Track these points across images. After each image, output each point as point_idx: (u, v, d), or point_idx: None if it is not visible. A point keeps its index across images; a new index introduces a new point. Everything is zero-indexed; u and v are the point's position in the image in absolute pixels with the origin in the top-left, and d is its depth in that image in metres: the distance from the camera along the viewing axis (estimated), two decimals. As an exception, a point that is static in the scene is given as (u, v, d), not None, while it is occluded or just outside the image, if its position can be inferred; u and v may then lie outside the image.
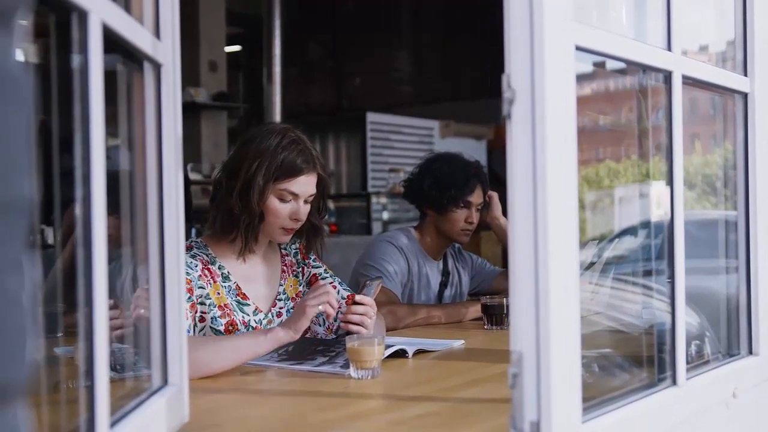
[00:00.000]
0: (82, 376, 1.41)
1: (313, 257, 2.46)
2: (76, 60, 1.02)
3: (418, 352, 2.22)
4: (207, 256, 2.25)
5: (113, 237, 1.16)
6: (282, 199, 2.22)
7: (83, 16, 1.00)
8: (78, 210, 1.01)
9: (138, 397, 1.29)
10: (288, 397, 1.78)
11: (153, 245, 1.38)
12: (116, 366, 1.34)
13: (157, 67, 1.36)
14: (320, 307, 2.01)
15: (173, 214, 1.40)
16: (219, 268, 2.25)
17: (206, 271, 2.21)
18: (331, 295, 2.04)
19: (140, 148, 1.36)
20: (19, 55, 0.62)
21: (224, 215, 2.23)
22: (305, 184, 2.24)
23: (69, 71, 1.02)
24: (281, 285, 2.37)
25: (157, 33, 1.36)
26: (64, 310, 1.29)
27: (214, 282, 2.22)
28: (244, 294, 2.27)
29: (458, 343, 2.40)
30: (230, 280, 2.25)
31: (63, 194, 1.06)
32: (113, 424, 1.10)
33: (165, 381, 1.39)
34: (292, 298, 2.38)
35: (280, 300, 2.36)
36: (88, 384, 1.03)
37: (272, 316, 2.31)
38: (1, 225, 0.57)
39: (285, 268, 2.40)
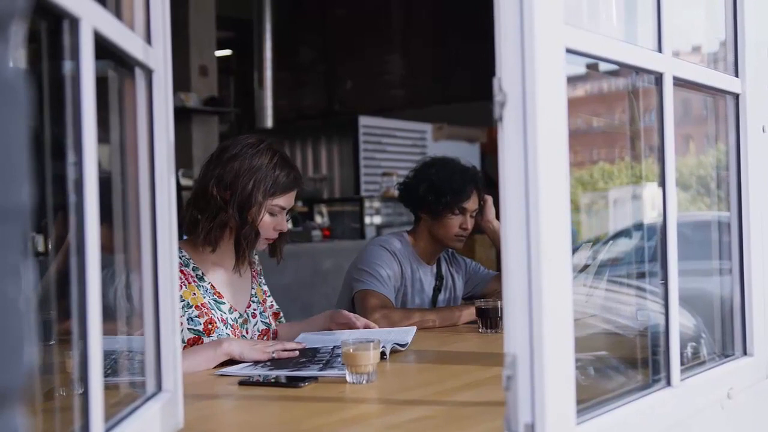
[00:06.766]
0: (71, 383, 1.41)
1: (262, 278, 2.57)
2: (67, 66, 1.01)
3: (393, 352, 2.25)
4: (181, 258, 2.30)
5: (104, 245, 1.16)
6: (271, 214, 2.34)
7: (75, 22, 1.00)
8: (71, 217, 1.01)
9: (132, 404, 1.29)
10: (283, 402, 1.78)
11: (146, 252, 1.37)
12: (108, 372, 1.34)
13: (148, 73, 1.36)
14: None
15: (166, 220, 1.39)
16: (193, 270, 2.32)
17: (180, 274, 2.25)
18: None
19: (132, 154, 1.36)
20: (16, 62, 0.62)
21: (218, 228, 2.30)
22: (292, 199, 2.39)
23: (60, 77, 1.02)
24: (253, 288, 2.49)
25: (148, 39, 1.36)
26: (56, 317, 1.28)
27: (189, 283, 2.29)
28: (219, 293, 2.35)
29: (412, 330, 2.47)
30: (205, 281, 2.33)
31: (55, 201, 1.06)
32: (107, 430, 1.09)
33: (159, 387, 1.39)
34: (262, 302, 2.51)
35: (253, 302, 2.47)
36: (79, 391, 1.03)
37: (248, 316, 2.42)
38: (0, 231, 0.57)
39: (254, 274, 2.53)
